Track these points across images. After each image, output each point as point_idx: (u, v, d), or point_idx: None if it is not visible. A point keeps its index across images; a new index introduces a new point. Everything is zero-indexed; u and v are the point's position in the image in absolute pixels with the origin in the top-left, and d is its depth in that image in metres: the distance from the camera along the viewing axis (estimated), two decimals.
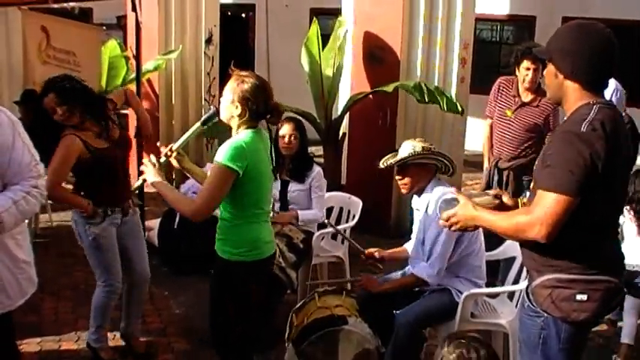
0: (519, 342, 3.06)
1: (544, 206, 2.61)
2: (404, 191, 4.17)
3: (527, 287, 2.95)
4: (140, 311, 4.76)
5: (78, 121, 4.15)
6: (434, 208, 3.99)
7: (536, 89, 5.29)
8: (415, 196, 4.23)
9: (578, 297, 2.71)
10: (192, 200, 3.48)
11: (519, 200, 3.10)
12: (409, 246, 4.41)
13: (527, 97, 5.39)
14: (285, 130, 5.07)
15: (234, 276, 3.56)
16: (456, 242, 4.01)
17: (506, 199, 3.06)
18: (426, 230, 4.06)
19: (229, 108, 3.43)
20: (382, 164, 4.16)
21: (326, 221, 5.08)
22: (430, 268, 3.99)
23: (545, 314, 2.79)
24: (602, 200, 2.68)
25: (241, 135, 3.43)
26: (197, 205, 3.39)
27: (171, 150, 3.63)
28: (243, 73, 3.51)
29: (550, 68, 2.83)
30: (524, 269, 4.15)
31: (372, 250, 4.43)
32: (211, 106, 3.63)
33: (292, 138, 5.08)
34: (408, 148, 4.10)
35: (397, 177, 4.14)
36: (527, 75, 5.27)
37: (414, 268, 4.12)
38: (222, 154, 3.33)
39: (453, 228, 2.96)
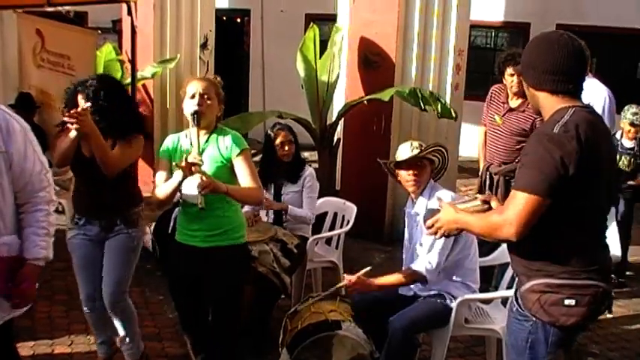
0: (507, 346, 3.09)
1: (514, 206, 2.67)
2: (414, 188, 4.14)
3: (515, 291, 2.97)
4: (123, 331, 4.30)
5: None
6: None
7: (524, 94, 5.34)
8: (410, 202, 4.25)
9: (567, 302, 2.74)
10: (254, 187, 3.76)
11: None
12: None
13: (515, 102, 5.46)
14: (282, 138, 5.19)
15: (246, 257, 4.05)
16: (452, 245, 4.03)
17: (494, 204, 3.05)
18: (425, 230, 4.07)
19: (216, 109, 3.80)
20: (398, 158, 4.13)
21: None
22: (429, 263, 3.98)
23: (534, 319, 2.81)
24: (584, 204, 2.71)
25: (224, 128, 3.88)
26: (260, 188, 3.83)
27: (200, 155, 3.61)
28: (214, 76, 4.02)
29: (523, 83, 2.99)
30: None
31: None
32: (194, 110, 3.63)
33: (289, 145, 5.19)
34: (409, 147, 4.12)
35: (408, 173, 4.11)
36: (512, 81, 5.39)
37: (412, 265, 4.10)
38: (241, 142, 3.77)
39: (437, 235, 3.02)
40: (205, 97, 3.71)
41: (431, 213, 3.13)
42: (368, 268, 4.13)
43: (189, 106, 3.70)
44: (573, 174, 2.60)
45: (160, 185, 3.78)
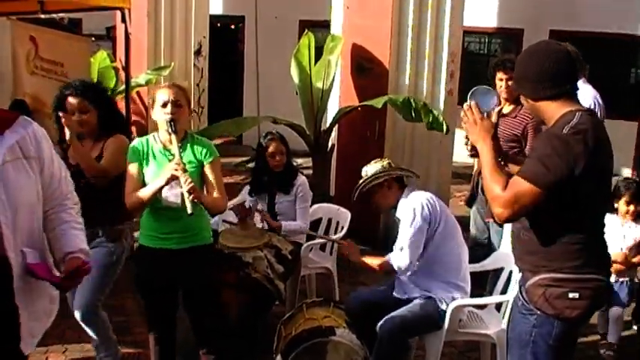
0: (509, 341, 3.17)
1: (513, 192, 2.80)
2: (382, 210, 4.50)
3: (520, 286, 3.09)
4: (97, 340, 4.30)
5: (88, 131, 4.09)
6: (408, 211, 4.14)
7: (516, 100, 5.37)
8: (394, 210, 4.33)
9: (571, 295, 2.87)
10: (221, 196, 3.82)
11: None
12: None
13: (507, 108, 5.48)
14: (274, 148, 5.20)
15: (215, 255, 4.15)
16: (430, 239, 4.13)
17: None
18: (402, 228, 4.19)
19: (187, 115, 3.85)
20: (353, 199, 4.35)
21: (312, 233, 5.28)
22: (402, 258, 4.10)
23: (539, 312, 2.92)
24: (587, 202, 2.84)
25: (194, 134, 3.94)
26: (225, 198, 3.91)
27: (182, 162, 3.61)
28: (180, 84, 4.01)
29: (521, 96, 3.09)
30: (512, 280, 4.22)
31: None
32: (171, 118, 3.66)
33: (281, 154, 5.20)
34: (366, 170, 4.32)
35: (371, 201, 4.34)
36: (501, 87, 5.42)
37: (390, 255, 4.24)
38: (214, 150, 3.83)
39: (463, 122, 3.09)
40: (178, 103, 3.72)
41: (483, 96, 3.19)
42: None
43: (163, 115, 3.70)
44: (578, 175, 2.73)
45: (133, 191, 3.75)
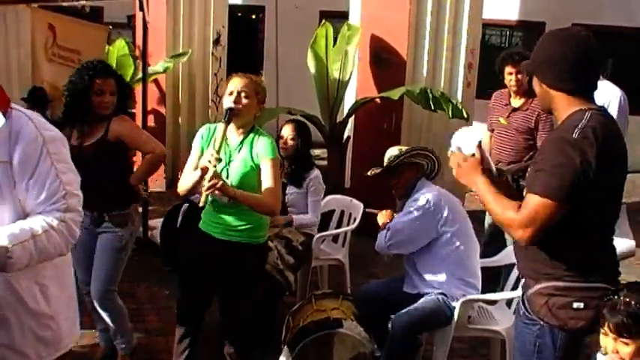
0: (514, 350, 3.03)
1: (530, 210, 2.61)
2: (394, 193, 4.38)
3: (522, 294, 2.92)
4: (113, 327, 4.31)
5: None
6: (415, 202, 4.17)
7: (526, 92, 5.34)
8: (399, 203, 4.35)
9: (575, 305, 2.68)
10: (270, 197, 3.65)
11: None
12: None
13: (517, 102, 5.45)
14: (285, 131, 5.11)
15: (260, 257, 3.98)
16: (439, 236, 4.12)
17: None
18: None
19: (254, 109, 3.72)
20: (370, 173, 4.36)
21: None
22: (382, 237, 4.24)
23: (542, 322, 2.76)
24: (596, 208, 2.66)
25: (260, 130, 3.78)
26: (278, 199, 3.73)
27: (218, 153, 3.50)
28: (255, 75, 3.84)
29: (535, 79, 2.83)
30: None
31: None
32: (229, 106, 3.59)
33: (290, 139, 5.08)
34: (392, 152, 4.29)
35: (390, 181, 4.31)
36: (510, 80, 5.37)
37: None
38: (273, 149, 3.67)
39: (453, 171, 2.95)
40: (243, 94, 3.64)
41: (464, 140, 3.04)
42: None
43: (226, 103, 3.65)
44: (591, 180, 2.55)
45: (186, 175, 3.75)
